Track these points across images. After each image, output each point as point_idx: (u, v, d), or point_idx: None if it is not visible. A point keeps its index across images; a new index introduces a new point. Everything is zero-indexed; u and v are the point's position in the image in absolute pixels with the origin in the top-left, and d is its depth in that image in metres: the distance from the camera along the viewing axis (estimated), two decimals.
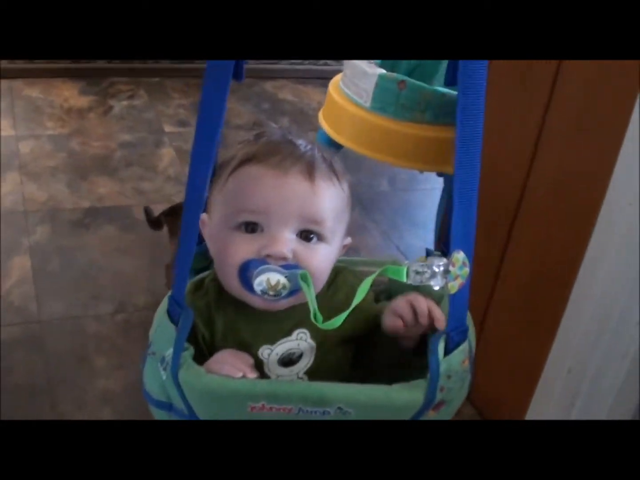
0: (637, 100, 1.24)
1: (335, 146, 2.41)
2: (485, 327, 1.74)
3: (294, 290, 0.87)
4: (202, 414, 0.87)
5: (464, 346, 0.82)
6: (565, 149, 1.45)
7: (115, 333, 1.92)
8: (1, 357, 1.80)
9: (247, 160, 0.90)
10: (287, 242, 0.88)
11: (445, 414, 0.86)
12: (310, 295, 0.83)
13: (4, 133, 2.75)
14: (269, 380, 0.89)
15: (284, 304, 0.90)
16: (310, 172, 0.89)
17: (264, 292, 0.87)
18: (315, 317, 0.82)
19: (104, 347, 1.87)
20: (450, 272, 0.77)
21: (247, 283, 0.88)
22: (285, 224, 0.88)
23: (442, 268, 0.78)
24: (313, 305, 0.82)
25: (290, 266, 0.87)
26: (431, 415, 0.83)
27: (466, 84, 0.75)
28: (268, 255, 0.87)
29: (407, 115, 2.05)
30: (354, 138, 2.29)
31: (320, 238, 0.91)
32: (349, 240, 1.00)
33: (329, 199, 0.91)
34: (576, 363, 1.42)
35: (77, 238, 2.27)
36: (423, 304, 0.88)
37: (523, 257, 1.60)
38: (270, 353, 0.93)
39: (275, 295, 0.87)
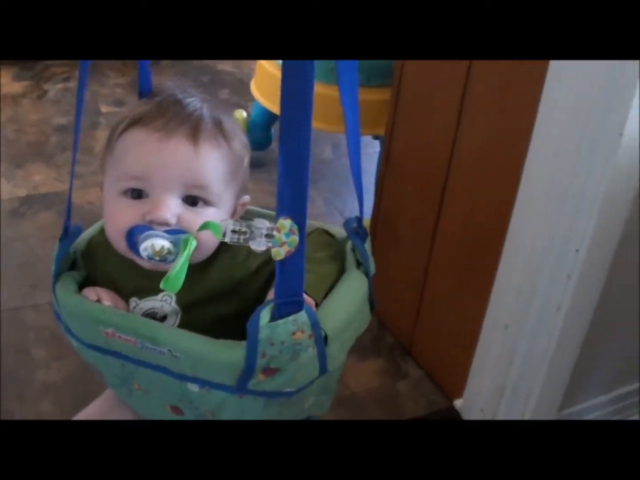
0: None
1: (272, 116, 2.39)
2: (426, 287, 1.73)
3: None
4: (73, 329, 0.94)
5: (297, 318, 0.81)
6: (489, 109, 1.44)
7: (54, 322, 1.86)
8: None
9: (134, 123, 0.91)
10: (170, 207, 0.89)
11: (282, 383, 0.86)
12: (180, 260, 0.84)
13: None
14: (117, 310, 0.92)
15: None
16: (194, 134, 0.91)
17: (150, 258, 0.88)
18: (166, 280, 0.82)
19: (43, 338, 1.83)
20: (275, 237, 0.76)
21: (134, 248, 0.89)
22: (169, 189, 0.89)
23: (263, 231, 0.77)
24: (175, 269, 0.83)
25: (174, 231, 0.88)
26: (262, 379, 0.84)
27: (288, 83, 0.72)
28: (151, 221, 0.89)
29: (337, 78, 2.02)
30: None
31: (207, 202, 0.92)
32: (246, 198, 1.01)
33: (214, 163, 0.92)
34: (512, 319, 1.41)
35: (14, 228, 2.22)
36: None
37: (456, 218, 1.59)
38: (135, 307, 0.96)
39: (161, 260, 0.88)
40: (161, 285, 0.82)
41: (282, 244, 0.76)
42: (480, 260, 1.52)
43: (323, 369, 0.86)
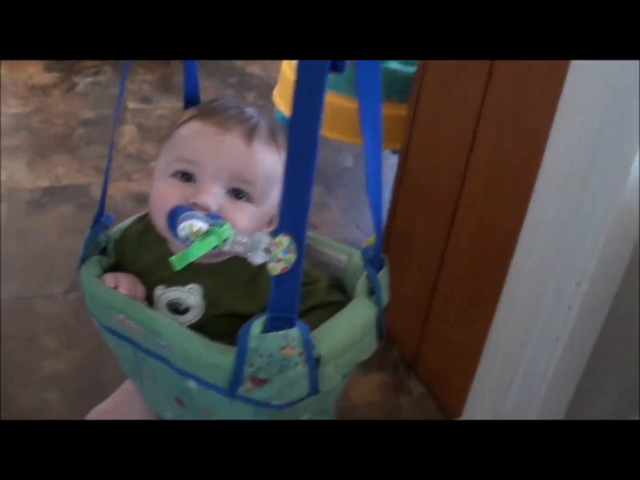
0: (562, 91, 1.24)
1: None
2: (433, 305, 1.74)
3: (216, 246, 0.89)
4: (93, 310, 0.98)
5: (288, 334, 0.82)
6: (500, 136, 1.45)
7: (67, 312, 1.91)
8: None
9: (193, 117, 0.97)
10: (214, 195, 0.93)
11: (270, 395, 0.87)
12: (202, 241, 0.86)
13: None
14: (127, 298, 0.95)
15: (204, 257, 0.90)
16: (249, 134, 0.95)
17: (186, 238, 0.89)
18: (177, 258, 0.84)
19: (54, 327, 1.86)
20: (272, 253, 0.77)
21: (173, 228, 0.91)
22: (217, 178, 0.93)
23: (262, 245, 0.80)
24: (192, 250, 0.85)
25: (215, 216, 0.91)
26: (250, 387, 0.85)
27: (302, 85, 0.73)
28: (194, 204, 0.92)
29: (356, 92, 2.03)
30: None
31: (249, 199, 0.95)
32: None
33: (262, 162, 0.95)
34: (512, 347, 1.42)
35: (34, 218, 2.25)
36: None
37: (465, 238, 1.59)
38: (162, 295, 0.99)
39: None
40: (172, 258, 0.84)
41: (278, 260, 0.77)
42: (486, 283, 1.53)
43: (313, 389, 0.87)
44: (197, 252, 0.85)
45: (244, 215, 0.94)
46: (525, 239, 1.35)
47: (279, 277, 0.78)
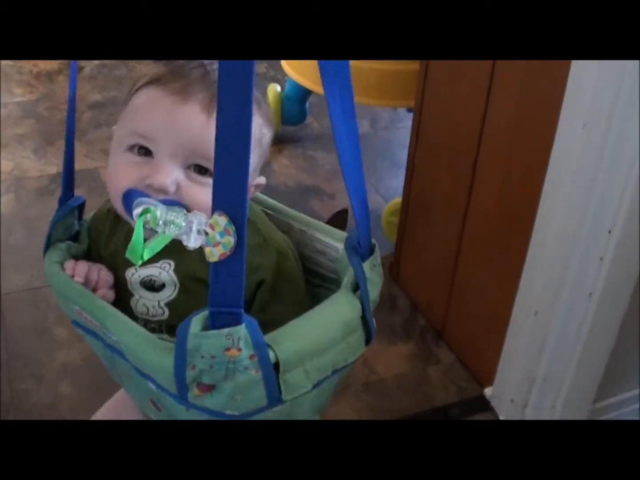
0: None
1: (306, 90, 2.31)
2: (458, 269, 1.66)
3: None
4: (58, 302, 0.91)
5: (233, 333, 0.71)
6: (518, 83, 1.36)
7: None
8: None
9: (152, 82, 0.84)
10: (170, 174, 0.82)
11: (222, 404, 0.77)
12: (162, 237, 0.75)
13: None
14: (81, 288, 0.86)
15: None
16: (210, 103, 0.81)
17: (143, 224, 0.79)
18: (132, 253, 0.74)
19: (65, 318, 1.79)
20: (209, 235, 0.66)
21: (129, 210, 0.82)
22: (174, 155, 0.83)
23: (196, 226, 0.68)
24: (153, 246, 0.75)
25: (172, 202, 0.80)
26: (197, 393, 0.76)
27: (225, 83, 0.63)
28: (149, 185, 0.82)
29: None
30: (317, 79, 2.18)
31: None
32: (261, 180, 0.93)
33: None
34: (542, 306, 1.32)
35: (42, 206, 2.19)
36: None
37: (487, 195, 1.50)
38: (134, 273, 0.91)
39: (151, 229, 0.78)
40: (128, 254, 0.74)
41: (216, 244, 0.66)
42: (512, 240, 1.44)
43: (274, 398, 0.77)
44: (156, 247, 0.74)
45: (206, 193, 0.78)
46: (549, 190, 1.26)
47: (218, 265, 0.67)
